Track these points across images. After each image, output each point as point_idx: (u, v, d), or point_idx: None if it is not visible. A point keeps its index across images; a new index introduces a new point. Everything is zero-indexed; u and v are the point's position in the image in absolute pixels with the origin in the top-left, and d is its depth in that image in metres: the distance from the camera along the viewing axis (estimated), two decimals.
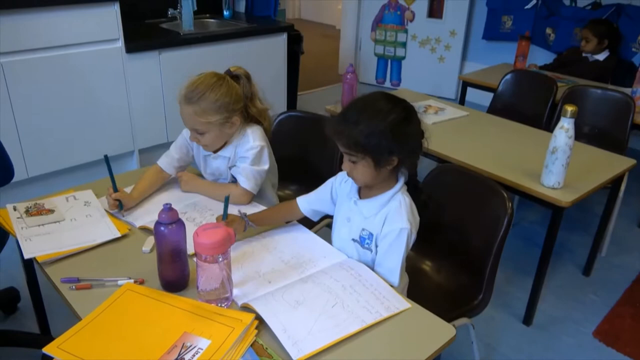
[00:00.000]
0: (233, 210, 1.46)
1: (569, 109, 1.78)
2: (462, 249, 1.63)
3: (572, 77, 3.21)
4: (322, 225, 1.80)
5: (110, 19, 2.73)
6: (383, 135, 1.22)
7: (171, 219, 1.16)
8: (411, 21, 4.74)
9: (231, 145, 1.63)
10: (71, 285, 1.22)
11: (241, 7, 3.90)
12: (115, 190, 1.50)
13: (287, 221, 1.53)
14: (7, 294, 2.08)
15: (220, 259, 1.11)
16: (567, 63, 3.47)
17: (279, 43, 3.54)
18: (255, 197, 1.66)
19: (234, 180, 1.66)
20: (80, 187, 1.65)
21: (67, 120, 2.74)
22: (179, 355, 1.01)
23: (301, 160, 2.08)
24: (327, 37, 6.99)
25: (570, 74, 3.27)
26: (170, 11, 3.39)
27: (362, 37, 5.06)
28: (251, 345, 1.05)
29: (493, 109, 2.99)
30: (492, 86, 3.11)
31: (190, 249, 1.21)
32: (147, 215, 1.50)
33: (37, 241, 1.36)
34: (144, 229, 1.45)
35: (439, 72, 4.76)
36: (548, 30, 4.06)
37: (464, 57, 4.73)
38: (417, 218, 1.34)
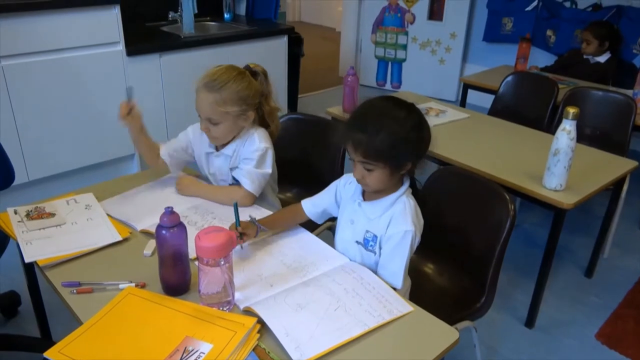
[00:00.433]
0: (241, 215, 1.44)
1: (571, 110, 1.78)
2: (464, 251, 1.63)
3: (573, 79, 3.21)
4: (324, 228, 1.79)
5: (110, 22, 2.73)
6: (404, 143, 1.23)
7: (173, 223, 1.15)
8: (411, 23, 4.74)
9: (234, 143, 1.63)
10: (72, 289, 1.21)
11: (242, 10, 3.90)
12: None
13: (294, 224, 1.52)
14: (8, 298, 2.08)
15: (222, 263, 1.11)
16: (568, 65, 3.46)
17: (279, 45, 3.54)
18: (257, 200, 1.65)
19: (235, 182, 1.66)
20: (81, 190, 1.65)
21: (68, 123, 2.74)
22: (180, 359, 1.00)
23: (302, 162, 2.07)
24: (327, 39, 6.99)
25: (572, 76, 3.26)
26: (171, 14, 3.39)
27: (363, 39, 5.06)
28: (253, 349, 1.04)
29: (494, 111, 2.98)
30: (493, 88, 3.11)
31: (192, 253, 1.20)
32: (148, 218, 1.49)
33: (37, 245, 1.35)
34: (145, 232, 1.44)
35: (440, 75, 4.76)
36: (549, 32, 4.06)
37: (464, 59, 4.73)
38: (422, 221, 1.34)
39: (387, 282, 1.26)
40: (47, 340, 1.81)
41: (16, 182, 1.87)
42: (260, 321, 1.10)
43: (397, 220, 1.29)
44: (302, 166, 2.07)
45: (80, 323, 1.11)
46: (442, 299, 1.61)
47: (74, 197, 1.59)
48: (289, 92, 3.78)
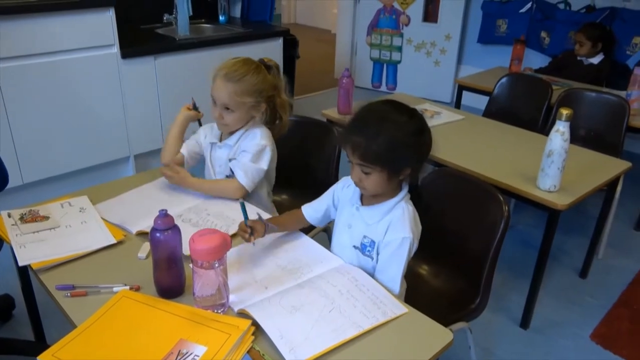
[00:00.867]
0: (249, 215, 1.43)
1: (564, 112, 1.79)
2: (459, 252, 1.63)
3: (567, 80, 3.22)
4: (318, 230, 1.79)
5: (105, 24, 2.73)
6: (403, 148, 1.22)
7: (167, 225, 1.15)
8: (406, 25, 4.75)
9: (237, 134, 1.68)
10: (66, 292, 1.21)
11: (237, 12, 3.91)
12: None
13: (297, 229, 1.51)
14: (2, 301, 2.07)
15: (217, 265, 1.11)
16: (562, 66, 3.48)
17: (274, 48, 3.55)
18: (252, 201, 1.65)
19: (230, 175, 1.68)
20: (76, 193, 1.64)
21: (62, 126, 2.74)
22: None
23: (298, 165, 2.07)
24: (322, 41, 7.00)
25: (566, 77, 3.28)
26: (166, 16, 3.39)
27: (358, 41, 5.07)
28: (248, 352, 1.04)
29: (489, 113, 3.00)
30: (487, 90, 3.12)
31: (186, 250, 1.20)
32: (143, 221, 1.49)
33: (31, 248, 1.35)
34: (140, 234, 1.44)
35: (435, 76, 4.77)
36: (543, 34, 4.07)
37: (459, 60, 4.74)
38: (420, 227, 1.33)
39: (382, 285, 1.26)
40: (41, 344, 1.80)
41: (10, 185, 1.87)
42: (255, 323, 1.10)
43: (395, 227, 1.29)
44: (297, 168, 2.07)
45: (74, 326, 1.11)
46: (437, 300, 1.62)
47: (68, 200, 1.59)
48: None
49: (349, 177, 1.34)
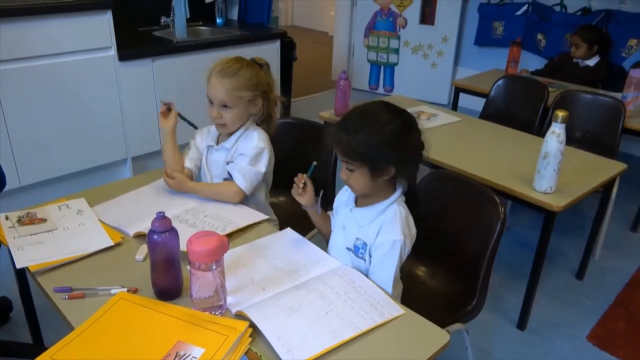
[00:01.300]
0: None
1: (560, 114, 1.80)
2: (456, 254, 1.64)
3: (563, 83, 3.23)
4: (315, 232, 1.79)
5: (102, 27, 2.73)
6: (381, 145, 1.23)
7: (164, 227, 1.15)
8: (403, 27, 4.76)
9: (235, 136, 1.68)
10: (64, 294, 1.21)
11: (234, 15, 3.91)
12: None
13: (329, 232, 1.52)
14: None
15: (214, 267, 1.11)
16: (558, 68, 3.49)
17: (272, 50, 3.56)
18: (249, 203, 1.66)
19: (228, 178, 1.68)
20: (73, 195, 1.64)
21: (60, 128, 2.73)
22: None
23: (295, 167, 2.06)
24: (320, 43, 7.01)
25: (562, 79, 3.29)
26: (163, 19, 3.39)
27: (355, 43, 5.08)
28: (245, 353, 1.05)
29: (485, 115, 3.01)
30: (484, 92, 3.13)
31: (183, 246, 1.20)
32: (140, 223, 1.49)
33: (29, 250, 1.35)
34: (138, 236, 1.44)
35: (432, 78, 4.78)
36: (539, 36, 4.09)
37: (456, 62, 4.75)
38: (413, 230, 1.33)
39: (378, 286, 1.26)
40: (39, 346, 1.80)
41: (8, 187, 1.86)
42: (252, 325, 1.11)
43: (386, 229, 1.29)
44: (295, 170, 2.06)
45: (72, 328, 1.11)
46: (434, 301, 1.62)
47: (65, 203, 1.59)
48: (282, 96, 3.78)
49: None
